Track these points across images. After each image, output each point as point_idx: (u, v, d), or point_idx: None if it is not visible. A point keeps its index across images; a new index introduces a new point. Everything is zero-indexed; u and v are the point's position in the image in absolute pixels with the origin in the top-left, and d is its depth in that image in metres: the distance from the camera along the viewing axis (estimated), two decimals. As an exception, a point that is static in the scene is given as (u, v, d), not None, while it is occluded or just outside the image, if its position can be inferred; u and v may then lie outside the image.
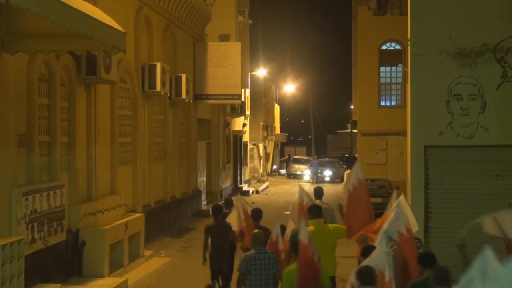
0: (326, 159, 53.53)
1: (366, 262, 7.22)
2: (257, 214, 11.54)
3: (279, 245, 9.49)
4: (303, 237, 8.09)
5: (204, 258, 11.68)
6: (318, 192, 12.93)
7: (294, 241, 8.32)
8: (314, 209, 10.35)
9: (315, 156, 59.25)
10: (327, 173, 46.93)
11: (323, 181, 44.22)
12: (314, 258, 8.09)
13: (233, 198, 13.49)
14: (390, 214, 8.65)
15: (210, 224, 12.04)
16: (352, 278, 7.11)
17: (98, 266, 13.47)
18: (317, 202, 11.65)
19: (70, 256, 13.25)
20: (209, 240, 11.79)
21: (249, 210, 11.59)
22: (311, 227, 9.59)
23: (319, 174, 45.98)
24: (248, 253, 9.17)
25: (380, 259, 7.08)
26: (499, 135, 13.32)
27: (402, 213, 8.32)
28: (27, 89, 12.00)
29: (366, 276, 6.83)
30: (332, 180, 45.56)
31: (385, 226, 8.45)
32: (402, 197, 9.24)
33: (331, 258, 10.13)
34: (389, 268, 7.01)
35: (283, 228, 10.04)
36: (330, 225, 10.55)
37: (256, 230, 9.52)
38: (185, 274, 14.53)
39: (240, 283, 8.89)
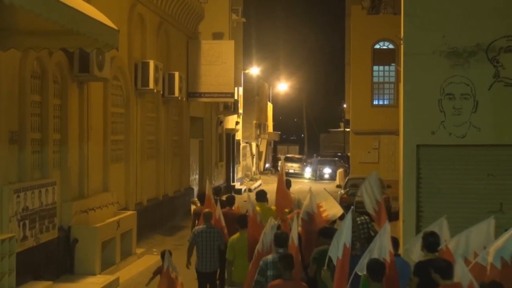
0: (319, 158, 53.86)
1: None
2: (230, 200, 13.29)
3: (221, 222, 11.71)
4: (250, 210, 10.59)
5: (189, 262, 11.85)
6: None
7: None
8: (260, 195, 13.24)
9: (315, 155, 59.93)
10: (327, 171, 47.39)
11: (323, 179, 44.79)
12: (258, 221, 10.36)
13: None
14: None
15: (198, 209, 13.32)
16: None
17: (90, 264, 13.45)
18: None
19: (61, 253, 13.22)
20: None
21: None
22: (258, 208, 11.57)
23: (318, 172, 47.37)
24: (198, 227, 11.52)
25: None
26: (491, 135, 13.37)
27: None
28: (19, 86, 11.97)
29: (376, 271, 7.13)
30: (332, 178, 45.93)
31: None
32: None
33: None
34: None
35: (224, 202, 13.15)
36: (273, 207, 13.12)
37: (207, 210, 11.86)
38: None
39: (189, 251, 11.44)
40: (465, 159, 13.58)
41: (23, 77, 12.03)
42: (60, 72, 13.62)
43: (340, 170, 41.62)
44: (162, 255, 9.88)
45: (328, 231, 9.03)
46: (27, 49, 11.48)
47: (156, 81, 18.67)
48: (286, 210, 12.74)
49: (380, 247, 7.67)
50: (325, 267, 7.78)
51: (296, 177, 46.63)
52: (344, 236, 7.20)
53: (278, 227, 9.86)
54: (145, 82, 18.36)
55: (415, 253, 8.96)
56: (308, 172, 49.60)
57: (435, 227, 9.43)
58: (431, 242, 8.42)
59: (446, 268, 7.29)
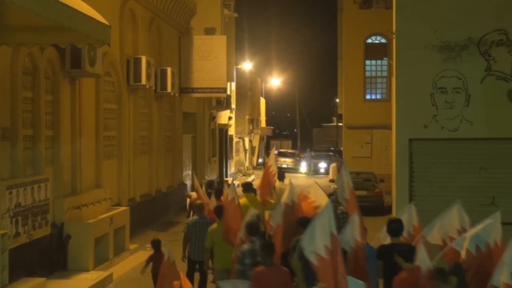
0: (312, 153, 53.99)
1: None
2: (217, 193, 13.41)
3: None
4: (229, 195, 10.92)
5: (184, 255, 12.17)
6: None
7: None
8: (246, 186, 13.82)
9: (308, 149, 60.29)
10: (322, 165, 47.54)
11: (318, 173, 45.02)
12: (235, 204, 10.73)
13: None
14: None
15: (194, 202, 13.69)
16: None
17: (83, 260, 13.43)
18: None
19: (54, 250, 13.20)
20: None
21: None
22: (244, 199, 12.46)
23: (312, 166, 48.23)
24: (191, 218, 12.22)
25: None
26: (483, 128, 13.41)
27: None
28: (11, 82, 11.93)
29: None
30: (327, 172, 46.14)
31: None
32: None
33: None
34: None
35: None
36: (259, 197, 13.77)
37: (198, 201, 12.69)
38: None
39: (185, 241, 11.88)
40: (457, 153, 13.62)
41: (15, 74, 11.98)
42: (51, 68, 13.58)
43: (333, 165, 41.69)
44: (154, 244, 11.26)
45: (308, 221, 8.86)
46: (18, 45, 11.44)
47: (148, 77, 18.63)
48: (272, 201, 13.61)
49: (348, 237, 8.22)
50: (296, 257, 8.05)
51: (289, 172, 46.64)
52: (328, 225, 7.08)
53: (258, 217, 10.36)
54: (137, 78, 18.33)
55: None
56: (303, 166, 50.37)
57: (403, 214, 9.64)
58: (394, 228, 8.79)
59: (408, 252, 7.84)
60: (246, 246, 9.16)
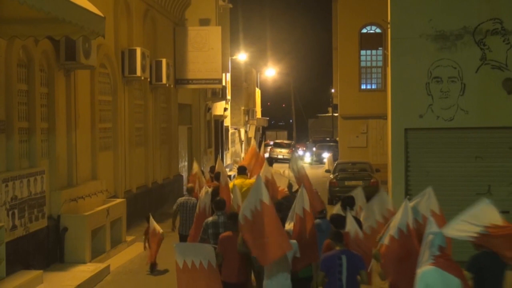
0: (307, 143, 54.33)
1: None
2: (217, 176, 14.10)
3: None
4: (222, 182, 12.47)
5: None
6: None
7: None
8: (240, 169, 14.75)
9: (311, 139, 60.78)
10: (325, 155, 47.80)
11: (322, 162, 45.33)
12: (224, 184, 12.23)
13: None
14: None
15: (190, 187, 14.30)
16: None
17: (80, 252, 13.45)
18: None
19: (51, 242, 13.20)
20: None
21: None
22: (239, 180, 13.99)
23: (313, 156, 50.07)
24: (181, 198, 13.52)
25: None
26: (478, 117, 13.43)
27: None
28: (6, 75, 11.89)
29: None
30: None
31: None
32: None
33: None
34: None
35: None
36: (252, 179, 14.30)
37: (190, 184, 14.29)
38: (167, 259, 14.53)
39: (174, 215, 13.54)
40: (453, 142, 13.65)
41: (9, 66, 11.95)
42: (46, 61, 13.54)
43: (329, 155, 41.73)
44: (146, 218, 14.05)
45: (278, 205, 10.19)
46: (12, 38, 11.40)
47: (143, 68, 18.60)
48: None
49: (297, 206, 9.60)
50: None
51: (286, 163, 46.66)
52: (256, 194, 8.88)
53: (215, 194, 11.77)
54: (132, 70, 18.29)
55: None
56: (307, 156, 52.21)
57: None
58: (346, 202, 10.54)
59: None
60: (210, 218, 10.51)
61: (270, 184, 13.05)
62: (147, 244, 13.99)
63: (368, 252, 8.97)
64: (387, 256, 8.32)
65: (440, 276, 6.76)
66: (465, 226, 7.63)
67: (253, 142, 17.59)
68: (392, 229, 8.40)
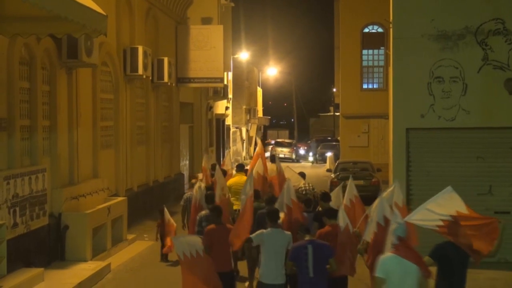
0: (309, 142, 54.25)
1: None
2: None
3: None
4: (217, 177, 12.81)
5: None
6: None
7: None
8: (238, 166, 15.61)
9: (314, 139, 60.77)
10: (329, 155, 47.86)
11: (325, 162, 45.40)
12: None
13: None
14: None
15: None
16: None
17: (81, 250, 13.45)
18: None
19: (52, 240, 13.21)
20: None
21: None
22: (237, 177, 14.89)
23: (316, 155, 50.30)
24: (187, 194, 14.29)
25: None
26: (480, 118, 13.43)
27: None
28: (8, 73, 11.90)
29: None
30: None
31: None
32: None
33: None
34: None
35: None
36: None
37: (193, 180, 15.04)
38: (168, 258, 14.54)
39: (183, 212, 14.25)
40: (454, 142, 13.65)
41: (11, 64, 11.95)
42: (48, 58, 13.54)
43: (330, 155, 41.74)
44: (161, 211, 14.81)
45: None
46: (14, 35, 11.39)
47: (145, 66, 18.60)
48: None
49: (285, 198, 10.87)
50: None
51: (287, 162, 46.69)
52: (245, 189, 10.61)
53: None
54: (134, 68, 18.29)
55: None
56: (310, 156, 52.75)
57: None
58: (325, 198, 11.16)
59: (331, 211, 9.95)
60: (203, 212, 11.37)
61: (261, 179, 14.35)
62: (158, 235, 14.78)
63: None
64: (373, 250, 8.77)
65: (398, 263, 7.19)
66: (429, 215, 7.95)
67: (259, 142, 17.89)
68: (372, 223, 9.02)
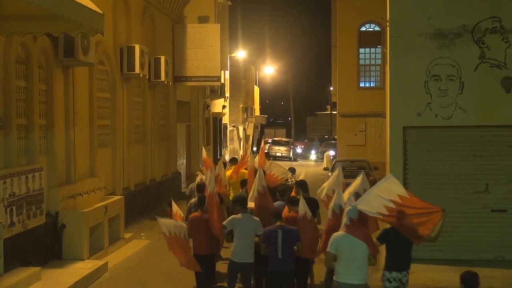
0: (306, 140, 54.22)
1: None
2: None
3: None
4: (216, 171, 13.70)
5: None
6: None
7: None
8: (232, 160, 17.36)
9: (316, 138, 60.97)
10: (331, 153, 47.89)
11: None
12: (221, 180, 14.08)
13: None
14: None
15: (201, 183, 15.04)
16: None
17: (78, 249, 13.44)
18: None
19: (49, 239, 13.20)
20: None
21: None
22: (231, 170, 16.03)
23: (318, 154, 50.99)
24: (191, 184, 15.51)
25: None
26: (477, 116, 13.44)
27: None
28: (4, 72, 11.88)
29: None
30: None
31: None
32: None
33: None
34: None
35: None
36: (243, 170, 16.11)
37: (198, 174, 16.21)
38: (165, 256, 14.53)
39: (189, 209, 13.98)
40: (451, 141, 13.66)
41: (8, 63, 11.93)
42: (45, 57, 13.52)
43: (327, 153, 41.73)
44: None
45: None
46: (11, 34, 11.38)
47: (142, 65, 18.59)
48: (244, 170, 16.10)
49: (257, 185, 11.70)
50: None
51: (283, 160, 46.66)
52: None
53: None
54: (131, 67, 18.28)
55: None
56: (313, 154, 53.32)
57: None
58: (304, 187, 11.87)
59: (292, 199, 11.01)
60: (193, 200, 12.61)
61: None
62: None
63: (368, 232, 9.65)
64: (327, 235, 9.40)
65: (348, 240, 8.34)
66: (376, 200, 8.87)
67: (262, 144, 18.64)
68: (328, 212, 9.92)
